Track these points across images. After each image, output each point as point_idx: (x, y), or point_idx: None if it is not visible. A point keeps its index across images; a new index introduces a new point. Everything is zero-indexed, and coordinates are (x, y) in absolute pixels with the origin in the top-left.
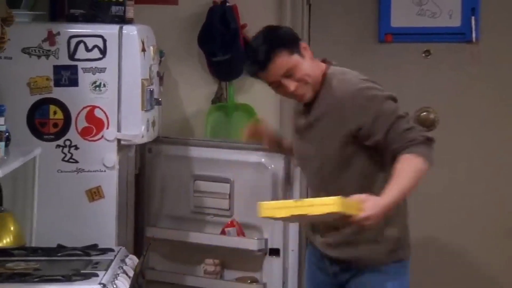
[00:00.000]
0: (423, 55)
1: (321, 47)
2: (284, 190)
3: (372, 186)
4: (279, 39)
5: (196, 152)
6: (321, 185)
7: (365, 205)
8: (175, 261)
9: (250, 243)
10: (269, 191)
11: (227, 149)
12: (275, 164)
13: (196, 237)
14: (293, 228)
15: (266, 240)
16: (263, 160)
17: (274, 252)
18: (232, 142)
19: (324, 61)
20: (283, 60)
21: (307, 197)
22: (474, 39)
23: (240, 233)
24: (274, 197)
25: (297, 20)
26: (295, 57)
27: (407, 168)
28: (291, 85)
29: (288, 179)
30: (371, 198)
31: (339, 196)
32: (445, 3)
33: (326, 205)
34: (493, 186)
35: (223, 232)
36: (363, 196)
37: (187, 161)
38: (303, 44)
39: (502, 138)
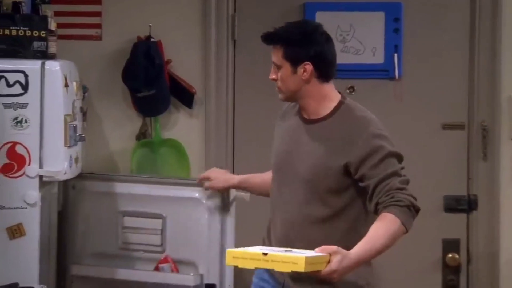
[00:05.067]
0: (348, 91)
1: (246, 83)
2: (221, 224)
3: (338, 230)
4: (288, 38)
5: (123, 188)
6: (291, 201)
7: (333, 258)
8: None
9: (186, 279)
10: (205, 227)
11: (157, 185)
12: (211, 198)
13: (127, 274)
14: None
15: (201, 276)
16: (197, 195)
17: (210, 287)
18: (160, 177)
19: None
20: (277, 54)
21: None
22: (396, 76)
23: (174, 268)
24: (210, 231)
25: (222, 55)
26: (286, 63)
27: (386, 229)
28: (272, 74)
29: (225, 213)
30: (340, 252)
31: (305, 256)
32: (368, 41)
33: (292, 263)
34: (417, 221)
35: (156, 268)
36: (333, 248)
37: (114, 197)
38: (306, 66)
39: (425, 173)
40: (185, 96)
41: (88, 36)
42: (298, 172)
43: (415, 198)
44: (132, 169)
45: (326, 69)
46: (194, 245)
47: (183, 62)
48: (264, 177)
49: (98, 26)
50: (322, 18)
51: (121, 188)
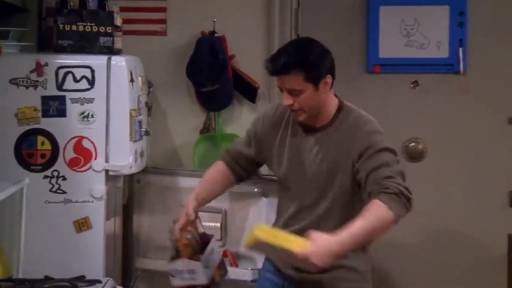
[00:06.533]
0: (411, 85)
1: None
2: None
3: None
4: (306, 61)
5: (187, 182)
6: (307, 201)
7: (311, 243)
8: None
9: (245, 274)
10: (263, 221)
11: None
12: (271, 193)
13: None
14: None
15: (259, 270)
16: (256, 190)
17: None
18: None
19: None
20: (296, 80)
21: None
22: (461, 70)
23: (233, 263)
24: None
25: None
26: (308, 85)
27: (372, 214)
28: (288, 100)
29: None
30: (316, 238)
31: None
32: (433, 35)
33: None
34: (482, 216)
35: None
36: (313, 235)
37: (178, 191)
38: (327, 79)
39: (490, 168)
40: (249, 91)
41: (153, 31)
42: (313, 177)
43: (407, 189)
44: (194, 162)
45: (335, 75)
46: None
47: (247, 57)
48: (214, 186)
49: (163, 21)
50: (386, 12)
51: (185, 182)
